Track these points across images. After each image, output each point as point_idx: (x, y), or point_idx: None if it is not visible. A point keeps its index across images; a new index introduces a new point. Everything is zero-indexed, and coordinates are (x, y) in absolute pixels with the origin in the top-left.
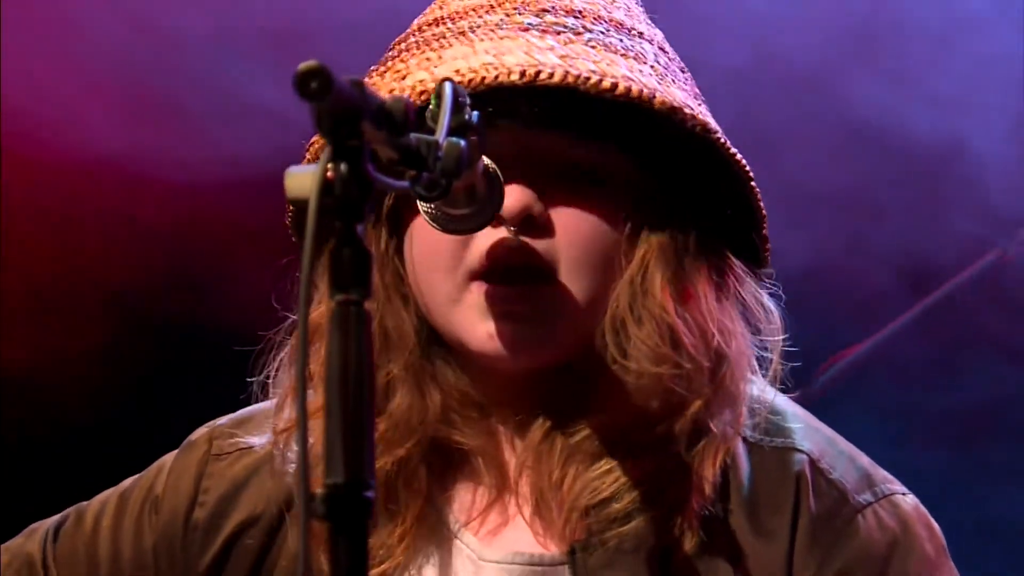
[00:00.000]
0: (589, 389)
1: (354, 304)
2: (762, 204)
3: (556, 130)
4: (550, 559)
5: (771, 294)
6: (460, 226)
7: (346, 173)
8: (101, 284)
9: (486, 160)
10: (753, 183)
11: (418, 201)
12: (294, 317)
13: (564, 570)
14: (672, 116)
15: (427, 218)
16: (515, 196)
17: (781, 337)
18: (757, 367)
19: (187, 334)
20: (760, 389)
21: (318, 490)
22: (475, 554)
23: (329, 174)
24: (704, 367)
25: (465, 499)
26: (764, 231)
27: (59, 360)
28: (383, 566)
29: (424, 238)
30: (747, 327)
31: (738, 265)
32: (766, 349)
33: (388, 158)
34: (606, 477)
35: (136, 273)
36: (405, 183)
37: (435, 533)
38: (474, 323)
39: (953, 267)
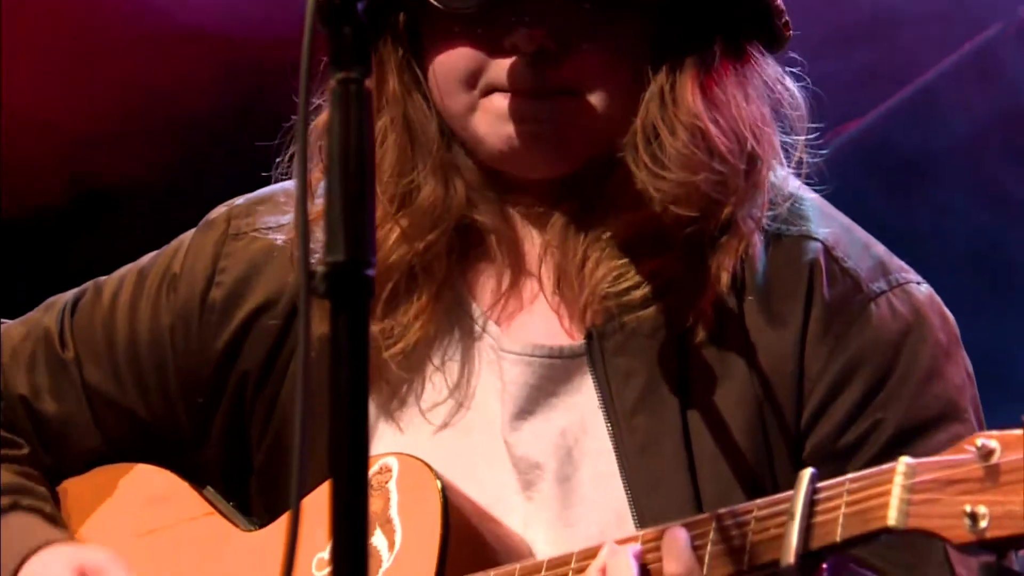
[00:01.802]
0: (617, 190)
1: (354, 82)
2: None
3: None
4: (569, 351)
5: (793, 74)
6: (463, 2)
7: None
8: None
9: None
10: None
11: None
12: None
13: (582, 362)
14: None
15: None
16: (531, 28)
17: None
18: (783, 158)
19: None
20: (781, 178)
21: (318, 268)
22: (496, 343)
23: None
24: (739, 169)
25: (484, 285)
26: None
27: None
28: (399, 345)
29: (443, 57)
30: (774, 116)
31: (761, 56)
32: (788, 134)
33: None
34: (629, 267)
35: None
36: None
37: (454, 317)
38: (492, 130)
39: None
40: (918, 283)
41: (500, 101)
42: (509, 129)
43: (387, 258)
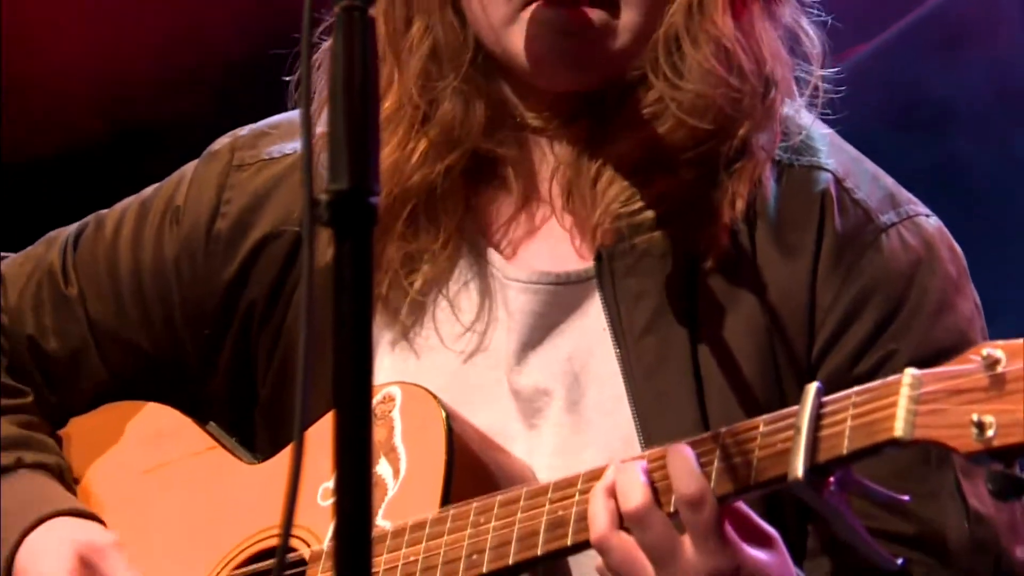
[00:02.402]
0: (634, 106)
1: (357, 10)
2: None
3: None
4: (576, 276)
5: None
6: None
7: None
8: None
9: None
10: None
11: None
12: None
13: (589, 286)
14: None
15: None
16: None
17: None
18: (796, 91)
19: None
20: (794, 110)
21: (322, 196)
22: (500, 272)
23: None
24: (757, 91)
25: (494, 215)
26: None
27: None
28: (425, 268)
29: None
30: (791, 54)
31: None
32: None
33: None
34: (642, 187)
35: None
36: None
37: (465, 248)
38: (527, 41)
39: None
40: (927, 216)
41: (538, 11)
42: (545, 39)
43: (409, 178)
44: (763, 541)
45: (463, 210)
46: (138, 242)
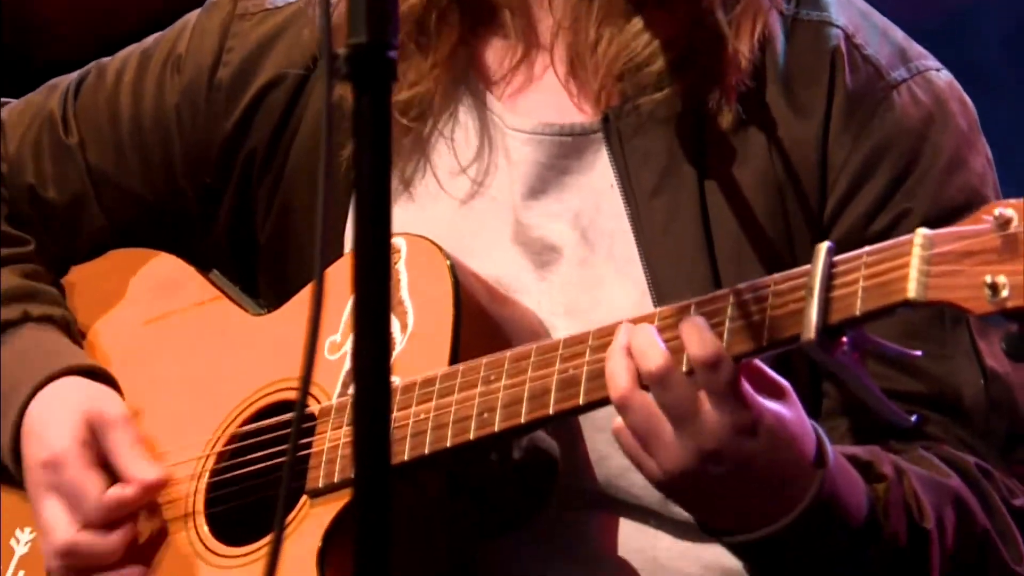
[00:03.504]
0: None
1: None
2: None
3: None
4: (581, 128)
5: None
6: None
7: None
8: None
9: None
10: None
11: None
12: None
13: (596, 138)
14: None
15: None
16: None
17: None
18: None
19: None
20: None
21: (341, 50)
22: (501, 121)
23: None
24: None
25: (492, 61)
26: None
27: None
28: (414, 89)
29: None
30: None
31: None
32: None
33: None
34: (641, 36)
35: None
36: None
37: (462, 92)
38: None
39: None
40: (937, 70)
41: None
42: None
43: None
44: (777, 394)
45: (457, 52)
46: (139, 90)
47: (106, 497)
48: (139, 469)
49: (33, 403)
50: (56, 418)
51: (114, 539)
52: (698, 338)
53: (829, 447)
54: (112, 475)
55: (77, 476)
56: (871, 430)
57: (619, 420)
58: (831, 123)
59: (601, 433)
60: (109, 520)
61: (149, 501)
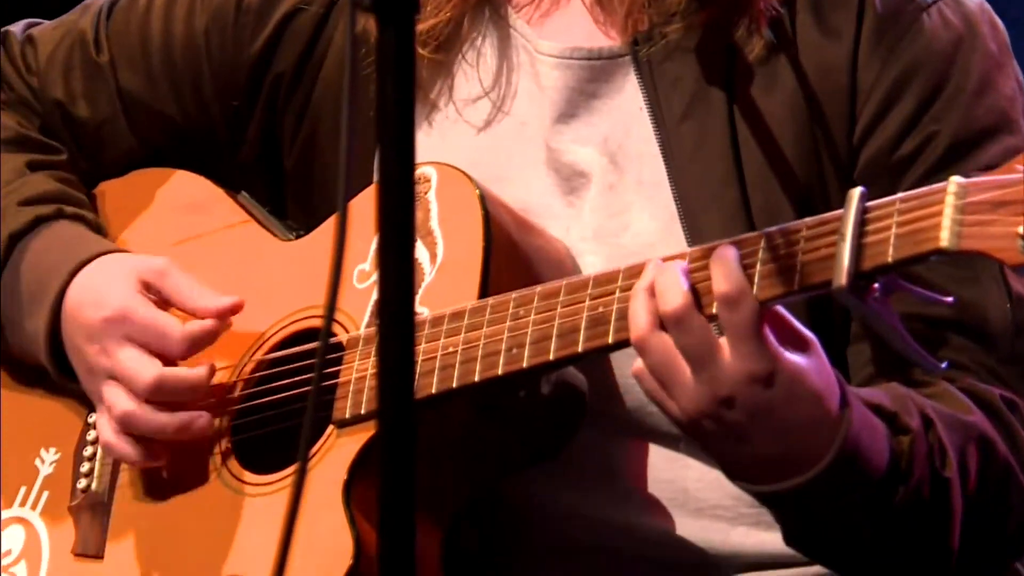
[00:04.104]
0: None
1: None
2: None
3: None
4: (609, 52)
5: None
6: None
7: None
8: None
9: None
10: None
11: None
12: None
13: (624, 62)
14: None
15: None
16: None
17: None
18: None
19: None
20: None
21: None
22: (529, 44)
23: None
24: None
25: None
26: None
27: None
28: (438, 17)
29: None
30: None
31: None
32: None
33: None
34: None
35: None
36: None
37: (486, 14)
38: None
39: None
40: None
41: None
42: None
43: None
44: (801, 345)
45: None
46: (170, 14)
47: (187, 329)
48: (207, 300)
49: (75, 281)
50: (107, 281)
51: (202, 371)
52: (724, 272)
53: (854, 402)
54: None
55: (152, 317)
56: (896, 357)
57: (639, 362)
58: (860, 46)
59: (632, 359)
60: (193, 353)
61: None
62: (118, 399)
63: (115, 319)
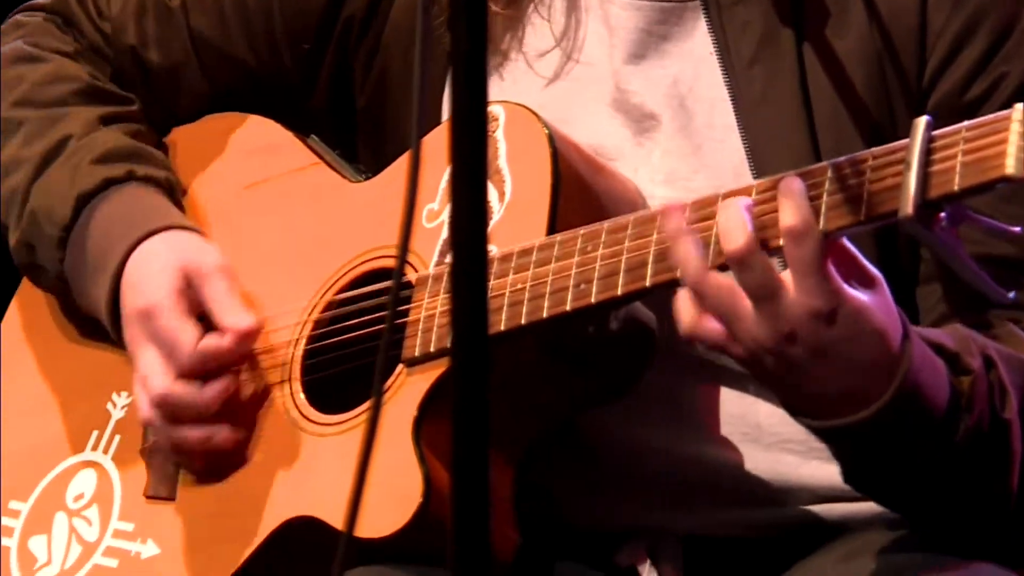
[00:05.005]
0: None
1: None
2: None
3: None
4: None
5: None
6: None
7: None
8: None
9: None
10: None
11: None
12: None
13: (694, 6)
14: None
15: None
16: None
17: None
18: None
19: None
20: None
21: None
22: None
23: None
24: None
25: None
26: None
27: None
28: None
29: None
30: None
31: None
32: None
33: None
34: None
35: None
36: None
37: None
38: None
39: None
40: None
41: None
42: None
43: None
44: (867, 282)
45: None
46: None
47: (201, 346)
48: (234, 318)
49: (132, 257)
50: (153, 269)
51: (209, 392)
52: (792, 205)
53: (915, 341)
54: (208, 327)
55: (172, 324)
56: (966, 297)
57: (687, 321)
58: None
59: None
60: (204, 370)
61: (248, 363)
62: (139, 398)
63: (143, 313)
